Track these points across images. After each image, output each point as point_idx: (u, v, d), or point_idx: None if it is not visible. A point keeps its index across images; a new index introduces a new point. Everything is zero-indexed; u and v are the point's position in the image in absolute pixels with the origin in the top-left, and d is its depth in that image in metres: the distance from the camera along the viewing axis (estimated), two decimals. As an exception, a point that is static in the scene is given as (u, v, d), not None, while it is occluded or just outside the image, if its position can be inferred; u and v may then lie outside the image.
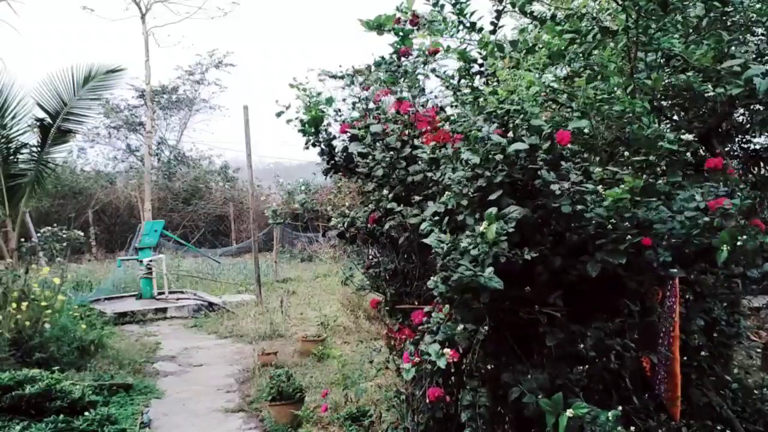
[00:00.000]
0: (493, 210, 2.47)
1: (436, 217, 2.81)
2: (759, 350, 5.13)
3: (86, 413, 4.81)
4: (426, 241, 2.65)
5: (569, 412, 2.34)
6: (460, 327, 2.61)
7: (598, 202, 2.51)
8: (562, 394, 2.49)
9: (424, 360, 2.63)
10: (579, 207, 2.55)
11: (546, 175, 2.60)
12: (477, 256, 2.48)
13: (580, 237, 2.61)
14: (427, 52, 3.69)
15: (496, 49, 3.39)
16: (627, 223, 2.50)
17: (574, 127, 2.69)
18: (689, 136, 2.67)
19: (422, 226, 2.82)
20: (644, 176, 2.67)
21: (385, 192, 3.41)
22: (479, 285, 2.41)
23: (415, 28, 3.72)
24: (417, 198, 3.19)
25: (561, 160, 2.71)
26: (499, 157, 2.62)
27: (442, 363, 2.49)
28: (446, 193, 2.82)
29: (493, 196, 2.62)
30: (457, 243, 2.57)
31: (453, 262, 2.51)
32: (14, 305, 6.26)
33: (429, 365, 2.65)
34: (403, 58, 3.79)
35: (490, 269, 2.42)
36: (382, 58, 3.85)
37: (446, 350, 2.52)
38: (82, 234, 9.31)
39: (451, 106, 3.85)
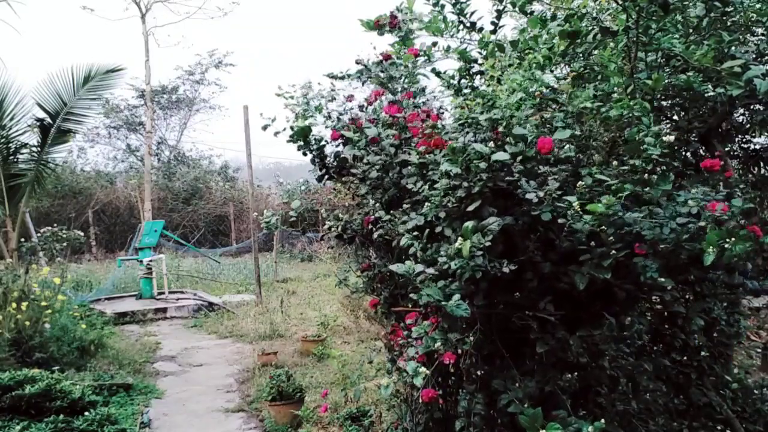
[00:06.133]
0: (470, 224, 2.41)
1: (415, 232, 2.74)
2: (759, 350, 5.14)
3: (86, 413, 4.81)
4: (392, 267, 2.57)
5: None
6: (438, 343, 2.53)
7: (577, 218, 2.45)
8: (547, 404, 2.44)
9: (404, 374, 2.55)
10: (560, 221, 2.49)
11: (525, 184, 2.54)
12: (455, 271, 2.42)
13: (572, 243, 2.56)
14: (411, 55, 3.67)
15: (496, 49, 3.38)
16: (612, 237, 2.44)
17: (558, 138, 2.65)
18: (671, 138, 2.64)
19: (402, 242, 2.76)
20: (643, 179, 2.64)
21: (371, 201, 3.36)
22: (446, 312, 2.37)
23: (396, 29, 3.71)
24: (406, 205, 3.12)
25: (540, 165, 2.64)
26: (483, 165, 2.56)
27: (418, 381, 2.42)
28: (426, 204, 2.75)
29: (471, 207, 2.56)
30: (433, 258, 2.51)
31: (423, 284, 2.45)
32: (14, 305, 6.26)
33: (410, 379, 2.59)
34: (387, 62, 3.77)
35: (456, 296, 2.37)
36: (365, 65, 3.82)
37: (422, 369, 2.43)
38: (82, 234, 9.33)
39: (446, 110, 3.84)
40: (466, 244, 2.35)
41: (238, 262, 16.88)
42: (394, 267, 2.56)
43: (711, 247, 2.24)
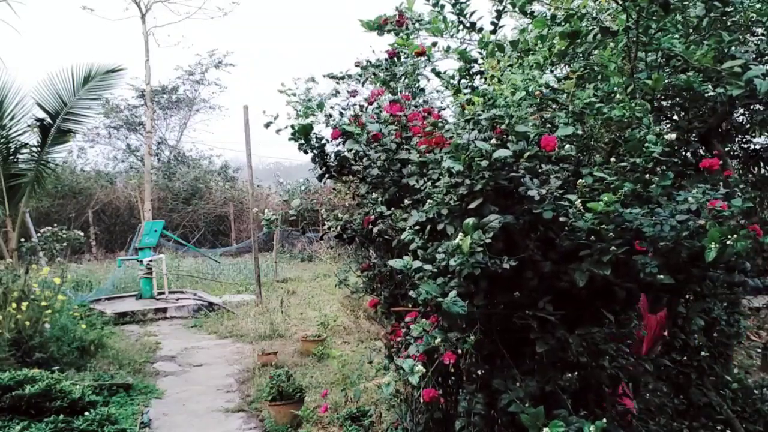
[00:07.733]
0: (471, 220, 2.40)
1: (417, 227, 2.75)
2: (759, 350, 5.15)
3: (86, 413, 4.81)
4: (391, 263, 2.56)
5: (546, 431, 2.28)
6: (438, 340, 2.53)
7: (578, 216, 2.45)
8: (548, 404, 2.44)
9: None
10: (562, 219, 2.49)
11: (528, 182, 2.54)
12: (454, 268, 2.42)
13: (572, 242, 2.56)
14: (414, 53, 3.67)
15: (496, 49, 3.38)
16: (612, 234, 2.44)
17: (561, 134, 2.65)
18: (672, 136, 2.64)
19: (403, 236, 2.76)
20: (644, 177, 2.64)
21: (374, 195, 3.36)
22: (443, 309, 2.36)
23: (402, 28, 3.71)
24: (407, 202, 3.12)
25: (542, 164, 2.64)
26: (484, 163, 2.56)
27: (414, 380, 2.41)
28: (428, 201, 2.76)
29: (473, 205, 2.56)
30: (432, 256, 2.51)
31: (420, 281, 2.45)
32: (14, 305, 6.26)
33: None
34: (394, 59, 3.76)
35: (453, 293, 2.36)
36: (369, 62, 3.81)
37: (419, 367, 2.42)
38: (82, 234, 9.33)
39: (447, 108, 3.84)
40: (467, 240, 2.35)
41: (238, 262, 16.87)
42: (392, 262, 2.56)
43: (713, 243, 2.23)
